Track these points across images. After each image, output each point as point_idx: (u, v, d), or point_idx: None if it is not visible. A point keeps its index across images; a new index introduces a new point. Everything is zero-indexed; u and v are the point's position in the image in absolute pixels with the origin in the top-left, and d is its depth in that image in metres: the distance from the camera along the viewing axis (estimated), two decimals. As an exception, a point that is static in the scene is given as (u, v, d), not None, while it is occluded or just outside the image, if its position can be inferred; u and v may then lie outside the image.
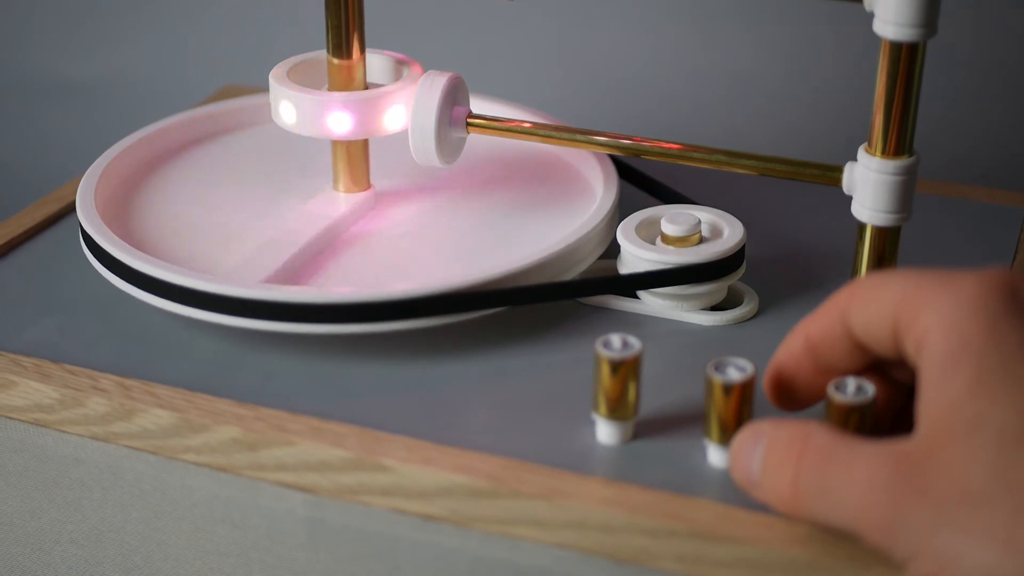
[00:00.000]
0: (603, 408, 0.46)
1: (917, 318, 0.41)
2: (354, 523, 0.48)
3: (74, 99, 1.09)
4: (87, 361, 0.52)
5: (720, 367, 0.45)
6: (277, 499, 0.48)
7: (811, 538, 0.42)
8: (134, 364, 0.52)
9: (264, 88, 0.63)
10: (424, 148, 0.56)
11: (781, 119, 0.94)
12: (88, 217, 0.56)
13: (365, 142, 0.59)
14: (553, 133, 0.57)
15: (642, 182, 0.62)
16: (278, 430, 0.48)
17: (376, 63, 0.60)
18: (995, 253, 0.59)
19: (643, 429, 0.48)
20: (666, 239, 0.54)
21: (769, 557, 0.42)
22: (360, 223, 0.59)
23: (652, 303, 0.54)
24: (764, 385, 0.46)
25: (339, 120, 0.56)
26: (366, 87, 0.58)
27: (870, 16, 0.48)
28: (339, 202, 0.59)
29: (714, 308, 0.55)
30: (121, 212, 0.60)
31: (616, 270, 0.55)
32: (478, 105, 0.63)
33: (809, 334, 0.45)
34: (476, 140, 0.63)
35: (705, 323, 0.54)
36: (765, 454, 0.42)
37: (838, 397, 0.43)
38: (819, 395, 0.46)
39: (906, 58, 0.48)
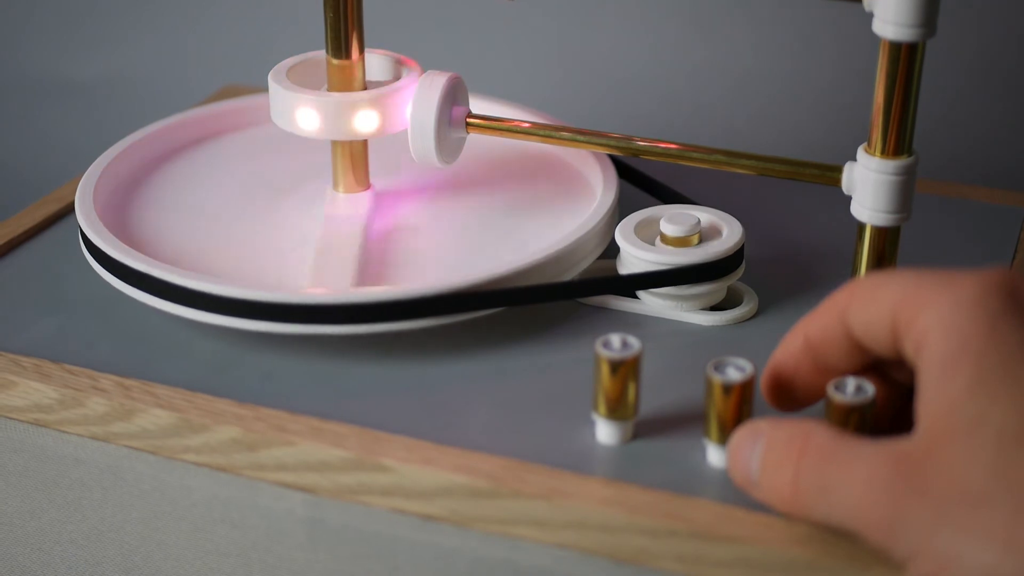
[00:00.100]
0: (603, 408, 0.46)
1: (916, 318, 0.41)
2: (354, 523, 0.48)
3: (74, 99, 1.09)
4: (87, 361, 0.52)
5: (720, 367, 0.45)
6: (277, 499, 0.48)
7: (811, 538, 0.42)
8: (134, 364, 0.52)
9: (264, 88, 0.63)
10: (423, 148, 0.56)
11: (781, 119, 0.94)
12: (87, 218, 0.56)
13: (365, 142, 0.59)
14: (553, 133, 0.57)
15: (642, 182, 0.62)
16: (278, 430, 0.48)
17: (375, 63, 0.60)
18: (995, 253, 0.59)
19: (643, 429, 0.48)
20: (665, 239, 0.54)
21: (769, 557, 0.42)
22: (359, 223, 0.59)
23: (652, 303, 0.54)
24: (762, 385, 0.46)
25: (367, 119, 0.56)
26: (365, 87, 0.58)
27: (870, 16, 0.48)
28: (339, 202, 0.59)
29: (713, 308, 0.55)
30: (120, 212, 0.60)
31: (616, 270, 0.55)
32: (478, 105, 0.63)
33: (808, 334, 0.45)
34: (476, 140, 0.63)
35: (705, 323, 0.54)
36: (764, 453, 0.42)
37: (838, 397, 0.43)
38: (817, 395, 0.46)
39: (905, 58, 0.48)
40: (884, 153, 0.50)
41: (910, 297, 0.41)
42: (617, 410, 0.46)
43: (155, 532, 0.51)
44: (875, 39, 0.48)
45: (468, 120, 0.57)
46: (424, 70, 0.57)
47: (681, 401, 0.49)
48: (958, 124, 0.91)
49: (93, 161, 0.61)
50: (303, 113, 0.56)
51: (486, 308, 0.52)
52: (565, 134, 0.56)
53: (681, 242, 0.54)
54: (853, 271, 0.52)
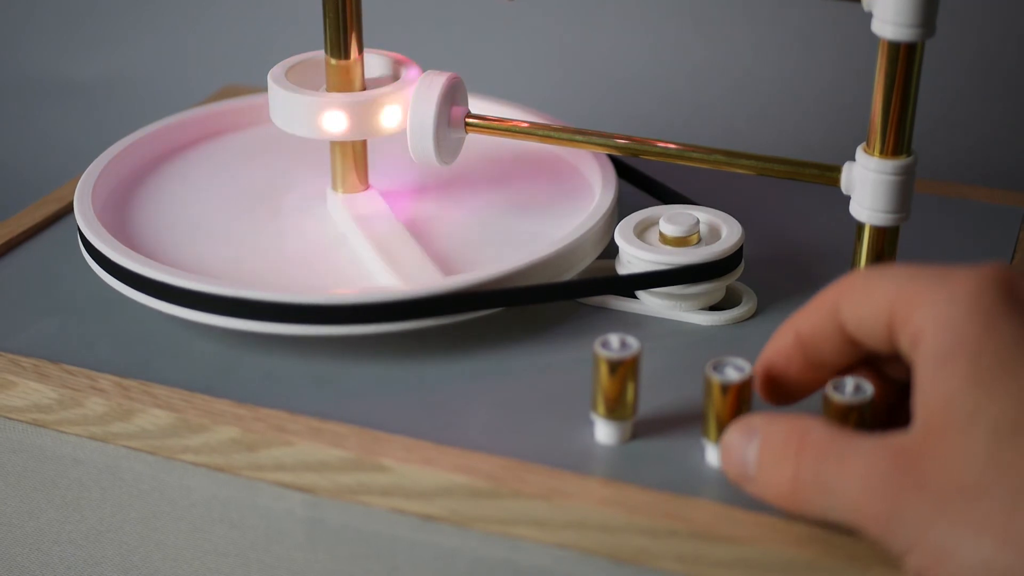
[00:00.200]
0: (602, 408, 0.46)
1: (912, 314, 0.41)
2: (353, 523, 0.48)
3: (74, 99, 1.09)
4: (86, 361, 0.52)
5: (719, 367, 0.45)
6: (276, 499, 0.48)
7: (811, 538, 0.42)
8: (133, 364, 0.52)
9: (264, 88, 0.63)
10: (422, 148, 0.56)
11: (781, 119, 0.94)
12: (85, 218, 0.56)
13: (364, 142, 0.59)
14: (552, 133, 0.57)
15: (641, 182, 0.62)
16: (277, 430, 0.48)
17: (375, 63, 0.60)
18: (994, 253, 0.59)
19: (642, 429, 0.48)
20: (664, 239, 0.54)
21: (768, 557, 0.42)
22: (358, 223, 0.59)
23: (651, 303, 0.54)
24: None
25: (391, 114, 0.57)
26: (364, 87, 0.58)
27: (869, 16, 0.48)
28: (338, 203, 0.59)
29: (713, 308, 0.55)
30: (120, 212, 0.59)
31: (615, 270, 0.55)
32: (477, 105, 0.63)
33: (799, 330, 0.45)
34: (475, 140, 0.63)
35: (704, 323, 0.54)
36: (761, 449, 0.42)
37: (837, 397, 0.43)
38: (809, 390, 0.46)
39: (904, 58, 0.48)
40: (883, 153, 0.50)
41: (905, 292, 0.41)
42: (616, 410, 0.46)
43: (154, 532, 0.51)
44: (875, 39, 0.48)
45: (467, 120, 0.57)
46: (424, 70, 0.57)
47: (680, 401, 0.49)
48: (958, 124, 0.91)
49: (93, 161, 0.61)
50: (332, 117, 0.56)
51: (486, 308, 0.52)
52: (564, 134, 0.56)
53: (680, 242, 0.54)
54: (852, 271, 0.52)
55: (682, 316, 0.54)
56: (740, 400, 0.45)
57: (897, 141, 0.49)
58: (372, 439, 0.47)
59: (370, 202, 0.59)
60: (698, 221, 0.54)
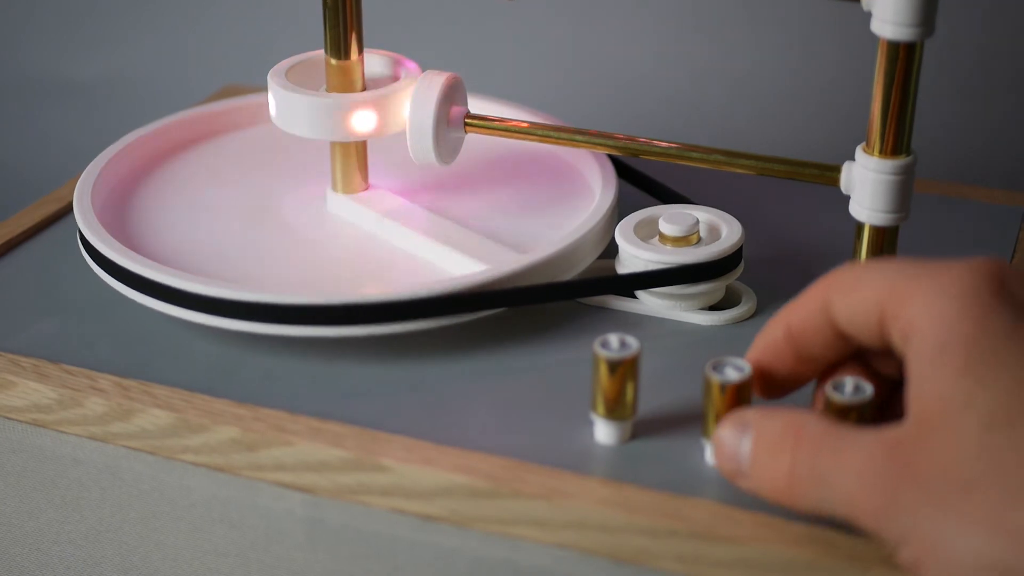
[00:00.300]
0: (601, 408, 0.46)
1: (904, 307, 0.41)
2: (353, 523, 0.48)
3: (74, 99, 1.09)
4: (85, 361, 0.52)
5: (718, 367, 0.45)
6: (276, 499, 0.48)
7: (811, 538, 0.42)
8: (132, 364, 0.52)
9: (264, 88, 0.63)
10: (422, 148, 0.56)
11: (781, 119, 0.94)
12: (85, 219, 0.56)
13: (364, 142, 0.59)
14: (551, 133, 0.56)
15: (641, 182, 0.62)
16: (277, 430, 0.48)
17: (375, 63, 0.60)
18: (994, 253, 0.59)
19: (641, 429, 0.48)
20: (664, 239, 0.54)
21: (768, 557, 0.42)
22: (393, 218, 0.58)
23: (650, 303, 0.54)
24: None
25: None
26: (364, 87, 0.58)
27: (869, 15, 0.48)
28: (338, 203, 0.59)
29: (712, 308, 0.55)
30: (119, 212, 0.59)
31: (615, 270, 0.55)
32: (477, 105, 0.63)
33: (790, 323, 0.45)
34: (475, 140, 0.63)
35: (703, 323, 0.54)
36: (755, 443, 0.42)
37: (837, 397, 0.43)
38: (799, 383, 0.46)
39: (904, 57, 0.48)
40: (882, 153, 0.50)
41: (897, 287, 0.41)
42: (616, 410, 0.46)
43: (153, 532, 0.51)
44: (874, 39, 0.48)
45: (466, 120, 0.57)
46: (424, 70, 0.57)
47: (680, 401, 0.49)
48: (958, 124, 0.91)
49: (92, 161, 0.61)
50: (363, 116, 0.56)
51: (485, 309, 0.52)
52: (564, 134, 0.56)
53: (680, 241, 0.54)
54: (852, 271, 0.52)
55: (682, 316, 0.54)
56: (740, 400, 0.44)
57: (896, 141, 0.49)
58: (372, 439, 0.47)
59: (389, 199, 0.59)
60: (698, 221, 0.54)
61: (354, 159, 0.59)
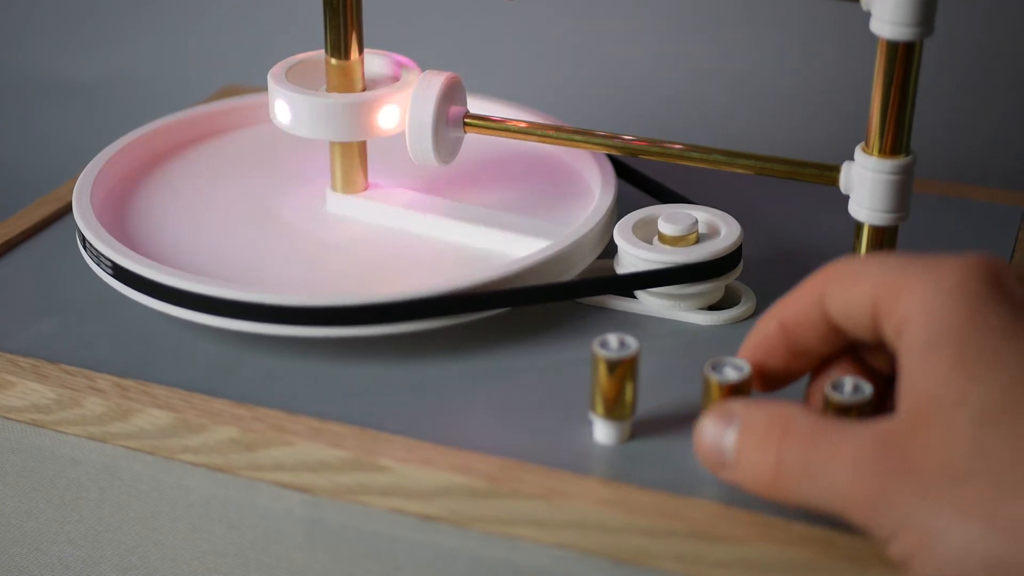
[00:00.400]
0: (600, 408, 0.46)
1: (897, 302, 0.41)
2: (352, 523, 0.48)
3: (74, 99, 1.09)
4: (84, 361, 0.52)
5: (717, 367, 0.45)
6: (275, 499, 0.48)
7: (810, 538, 0.42)
8: (131, 364, 0.52)
9: (264, 88, 0.63)
10: (421, 148, 0.56)
11: (781, 119, 0.94)
12: (84, 218, 0.56)
13: (364, 142, 0.59)
14: (551, 133, 0.56)
15: (640, 182, 0.61)
16: (276, 430, 0.48)
17: (375, 63, 0.60)
18: (994, 253, 0.59)
19: (641, 429, 0.48)
20: (663, 239, 0.54)
21: (767, 557, 0.42)
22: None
23: (649, 303, 0.54)
24: None
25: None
26: (364, 87, 0.58)
27: (868, 15, 0.48)
28: (338, 202, 0.59)
29: (711, 307, 0.55)
30: (119, 211, 0.59)
31: (614, 270, 0.55)
32: (476, 105, 0.63)
33: (783, 318, 0.45)
34: (474, 140, 0.63)
35: (702, 323, 0.54)
36: (741, 435, 0.42)
37: (836, 397, 0.43)
38: (792, 377, 0.46)
39: (903, 57, 0.48)
40: (882, 152, 0.50)
41: (891, 281, 0.41)
42: (615, 410, 0.46)
43: (153, 532, 0.51)
44: (874, 39, 0.48)
45: (465, 120, 0.57)
46: (424, 70, 0.57)
47: (679, 401, 0.49)
48: (958, 124, 0.91)
49: (91, 160, 0.61)
50: (389, 112, 0.57)
51: (485, 309, 0.52)
52: (563, 134, 0.56)
53: (679, 241, 0.54)
54: (852, 271, 0.52)
55: (681, 316, 0.54)
56: (739, 400, 0.45)
57: (896, 140, 0.49)
58: (371, 439, 0.47)
59: (389, 199, 0.59)
60: (697, 221, 0.54)
61: (354, 159, 0.59)
